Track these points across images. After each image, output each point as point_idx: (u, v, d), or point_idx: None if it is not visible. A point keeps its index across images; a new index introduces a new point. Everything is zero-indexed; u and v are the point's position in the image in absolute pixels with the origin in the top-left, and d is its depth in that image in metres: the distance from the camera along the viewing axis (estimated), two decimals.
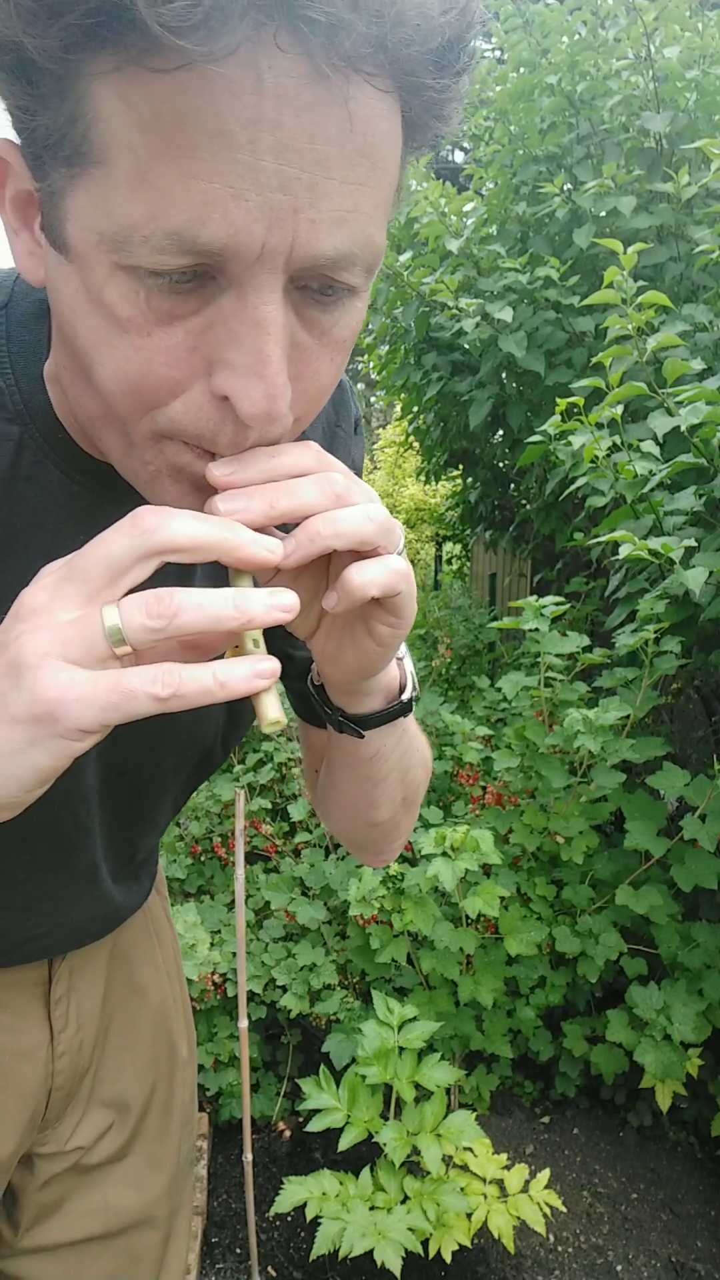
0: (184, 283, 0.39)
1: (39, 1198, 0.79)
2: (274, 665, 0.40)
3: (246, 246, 0.38)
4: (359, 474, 0.76)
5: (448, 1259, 1.54)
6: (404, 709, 0.60)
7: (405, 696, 0.59)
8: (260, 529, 0.42)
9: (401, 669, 0.60)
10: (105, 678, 0.38)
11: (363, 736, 0.59)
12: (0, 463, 0.52)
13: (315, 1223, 1.52)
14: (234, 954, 1.99)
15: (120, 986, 0.83)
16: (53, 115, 0.38)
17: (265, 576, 0.48)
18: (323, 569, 0.51)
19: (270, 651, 0.43)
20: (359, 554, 0.47)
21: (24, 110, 0.39)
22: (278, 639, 0.77)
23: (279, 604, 0.40)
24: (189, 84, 0.35)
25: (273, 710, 0.42)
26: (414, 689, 0.61)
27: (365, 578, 0.46)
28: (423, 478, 4.34)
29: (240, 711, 0.74)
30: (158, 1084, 0.85)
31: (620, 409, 1.82)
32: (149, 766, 0.69)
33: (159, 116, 0.36)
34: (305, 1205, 1.54)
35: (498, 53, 2.87)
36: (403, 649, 0.60)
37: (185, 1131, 0.90)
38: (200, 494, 0.45)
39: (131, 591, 0.40)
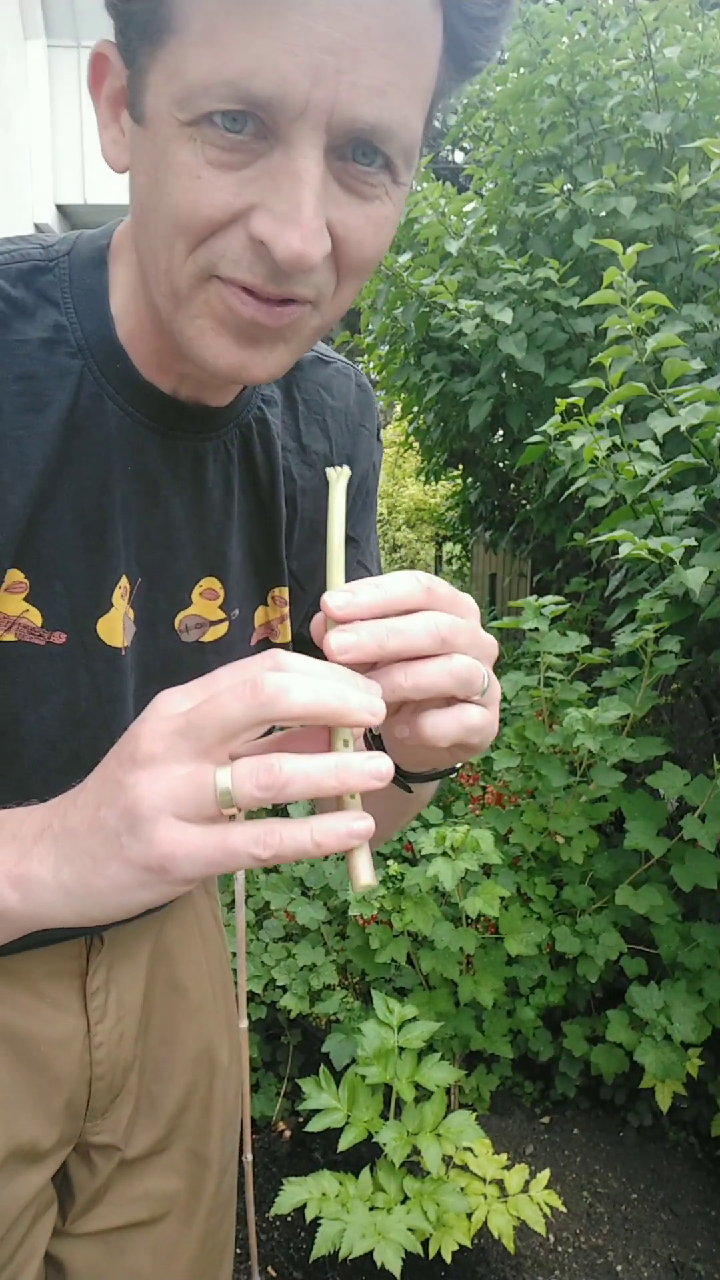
0: (235, 133, 0.44)
1: (88, 1194, 0.83)
2: (368, 825, 0.42)
3: (292, 99, 0.42)
4: (378, 474, 0.81)
5: (448, 1259, 1.54)
6: (454, 768, 0.61)
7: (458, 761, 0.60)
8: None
9: None
10: (213, 836, 0.41)
11: (410, 792, 0.61)
12: (63, 394, 0.58)
13: (315, 1223, 1.52)
14: (234, 954, 1.99)
15: (161, 983, 0.85)
16: None
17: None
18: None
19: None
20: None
21: None
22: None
23: (375, 772, 0.42)
24: None
25: (365, 874, 0.43)
26: None
27: (437, 731, 0.47)
28: (423, 478, 4.34)
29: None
30: (197, 1083, 0.87)
31: (620, 409, 1.82)
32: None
33: None
34: (305, 1206, 1.54)
35: (498, 53, 2.87)
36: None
37: (228, 1135, 0.91)
38: (241, 345, 0.51)
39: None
